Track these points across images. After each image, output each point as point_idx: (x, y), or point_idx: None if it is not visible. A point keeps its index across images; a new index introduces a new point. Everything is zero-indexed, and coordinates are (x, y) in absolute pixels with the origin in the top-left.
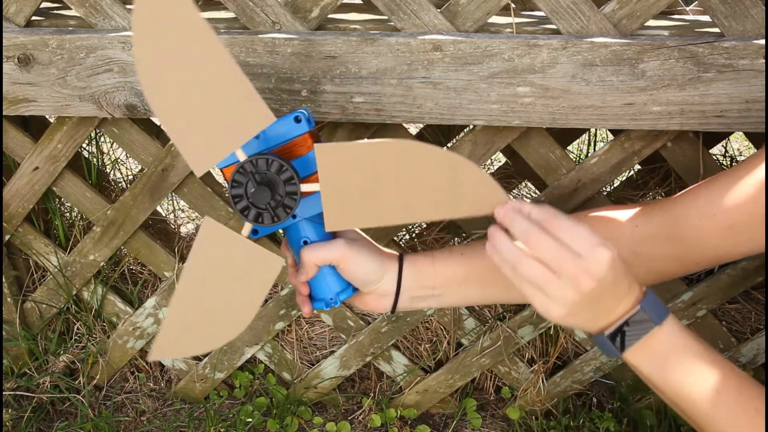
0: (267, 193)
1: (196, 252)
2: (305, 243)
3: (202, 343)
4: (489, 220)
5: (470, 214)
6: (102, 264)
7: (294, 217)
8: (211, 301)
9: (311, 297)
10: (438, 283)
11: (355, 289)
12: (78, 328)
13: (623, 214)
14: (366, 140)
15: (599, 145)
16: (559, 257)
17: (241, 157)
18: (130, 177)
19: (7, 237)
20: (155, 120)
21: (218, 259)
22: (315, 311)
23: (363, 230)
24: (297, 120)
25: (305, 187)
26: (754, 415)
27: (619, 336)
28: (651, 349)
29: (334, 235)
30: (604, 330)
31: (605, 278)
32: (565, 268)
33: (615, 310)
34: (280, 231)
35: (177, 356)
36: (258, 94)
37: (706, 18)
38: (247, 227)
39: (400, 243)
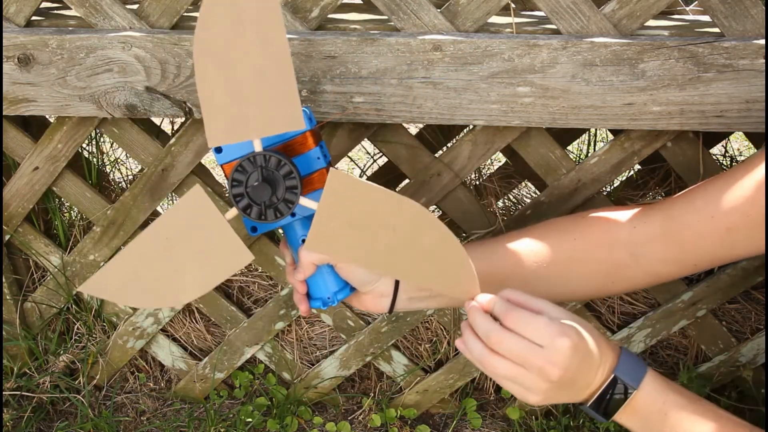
0: (267, 191)
1: (174, 211)
2: (304, 242)
3: (134, 297)
4: (489, 220)
5: (441, 290)
6: (102, 264)
7: (293, 215)
8: (165, 262)
9: (309, 296)
10: None
11: (353, 289)
12: (78, 328)
13: (621, 216)
14: (380, 186)
15: (599, 145)
16: (521, 353)
17: (258, 147)
18: (130, 177)
19: (7, 237)
20: (155, 120)
21: (191, 227)
22: (312, 310)
23: None
24: None
25: (304, 201)
26: None
27: (602, 404)
28: (635, 411)
29: None
30: (586, 402)
31: (571, 364)
32: (529, 361)
33: (591, 384)
34: (279, 229)
35: (105, 297)
36: (299, 99)
37: (706, 18)
38: (233, 211)
39: None
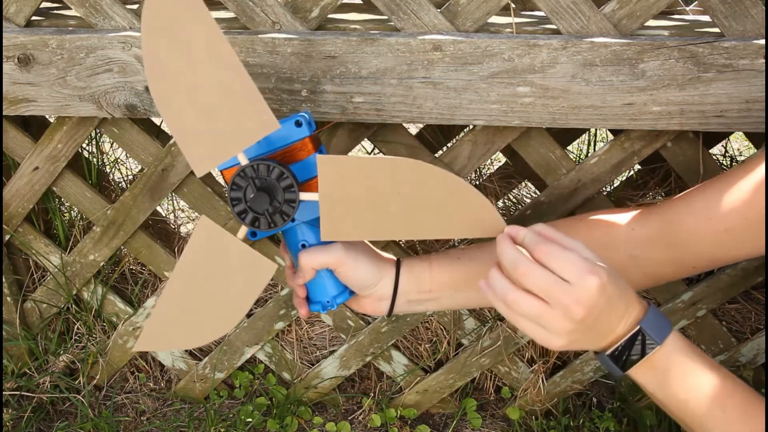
0: (266, 198)
1: (191, 249)
2: (303, 246)
3: (187, 338)
4: None
5: (467, 235)
6: (102, 264)
7: (293, 220)
8: (201, 299)
9: (308, 299)
10: (435, 288)
11: (352, 293)
12: (78, 328)
13: (620, 218)
14: (369, 156)
15: (599, 145)
16: (548, 287)
17: (243, 161)
18: (130, 177)
19: (7, 237)
20: (155, 120)
21: (211, 258)
22: (312, 313)
23: None
24: (297, 124)
25: (304, 196)
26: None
27: (622, 356)
28: (653, 367)
29: None
30: (606, 350)
31: (597, 305)
32: (555, 297)
33: (615, 331)
34: (280, 233)
35: (162, 349)
36: (264, 100)
37: (706, 18)
38: (244, 229)
39: (400, 243)
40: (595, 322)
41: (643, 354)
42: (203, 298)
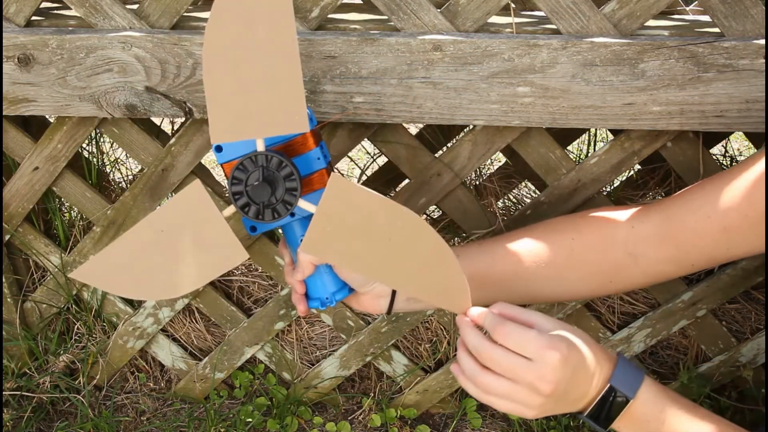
0: (267, 190)
1: (173, 203)
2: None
3: (125, 287)
4: (489, 220)
5: (432, 303)
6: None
7: (292, 215)
8: (158, 255)
9: (307, 296)
10: None
11: (351, 290)
12: (78, 328)
13: (619, 216)
14: (377, 194)
15: (599, 145)
16: (511, 368)
17: (260, 147)
18: (130, 177)
19: (7, 237)
20: (155, 120)
21: (188, 221)
22: (312, 310)
23: None
24: None
25: (302, 203)
26: None
27: (599, 414)
28: (632, 420)
29: None
30: (583, 412)
31: (562, 377)
32: (520, 376)
33: (587, 395)
34: (279, 229)
35: (98, 287)
36: (305, 101)
37: (706, 18)
38: (231, 209)
39: None
40: (565, 393)
41: (620, 408)
42: (161, 255)
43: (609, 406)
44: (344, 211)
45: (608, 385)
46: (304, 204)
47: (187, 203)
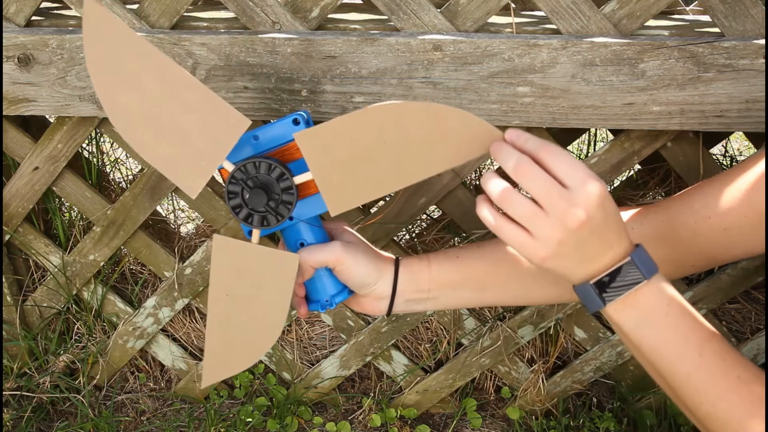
0: (263, 195)
1: (215, 271)
2: (302, 245)
3: (245, 357)
4: None
5: (469, 157)
6: (102, 264)
7: (291, 219)
8: (242, 314)
9: (307, 298)
10: (433, 287)
11: (351, 292)
12: (78, 328)
13: None
14: (341, 117)
15: (599, 145)
16: (548, 190)
17: (229, 167)
18: (130, 177)
19: (7, 237)
20: None
21: (237, 272)
22: (311, 313)
23: (362, 231)
24: (295, 122)
25: (298, 179)
26: (736, 383)
27: (605, 287)
28: (635, 304)
29: (330, 238)
30: (590, 279)
31: (594, 216)
32: (553, 201)
33: (602, 258)
34: (278, 233)
35: (226, 376)
36: (225, 102)
37: (706, 18)
38: (257, 233)
39: (400, 243)
40: (587, 239)
41: (629, 287)
42: (244, 313)
43: (619, 280)
44: (330, 152)
45: (628, 257)
46: (300, 177)
47: (223, 259)
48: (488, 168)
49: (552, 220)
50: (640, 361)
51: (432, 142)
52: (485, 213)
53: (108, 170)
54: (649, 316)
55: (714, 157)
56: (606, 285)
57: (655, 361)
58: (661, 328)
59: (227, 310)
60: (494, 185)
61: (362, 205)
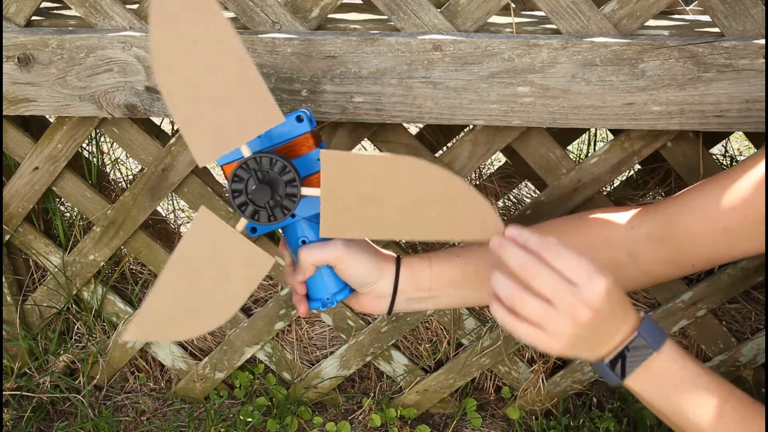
0: (267, 191)
1: (188, 238)
2: (303, 243)
3: (178, 330)
4: None
5: (465, 239)
6: (102, 264)
7: (293, 216)
8: (195, 290)
9: (308, 297)
10: (434, 285)
11: (352, 290)
12: (78, 328)
13: (619, 217)
14: (371, 153)
15: (599, 145)
16: (556, 288)
17: (246, 153)
18: (130, 177)
19: (7, 237)
20: (155, 120)
21: (209, 249)
22: (312, 310)
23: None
24: (299, 119)
25: (306, 191)
26: None
27: (619, 363)
28: (650, 374)
29: None
30: (604, 358)
31: (602, 309)
32: (562, 299)
33: (613, 339)
34: (279, 230)
35: (152, 339)
36: (270, 93)
37: (706, 18)
38: (243, 222)
39: (400, 243)
40: (598, 327)
41: (642, 360)
42: (198, 290)
43: (631, 356)
44: (346, 181)
45: (635, 333)
46: (308, 191)
47: (201, 231)
48: (488, 169)
49: (563, 317)
50: (667, 424)
51: (440, 211)
52: (499, 315)
53: (108, 170)
54: (664, 385)
55: (714, 157)
56: (619, 361)
57: (680, 425)
58: (677, 395)
59: (182, 280)
60: (503, 288)
61: None
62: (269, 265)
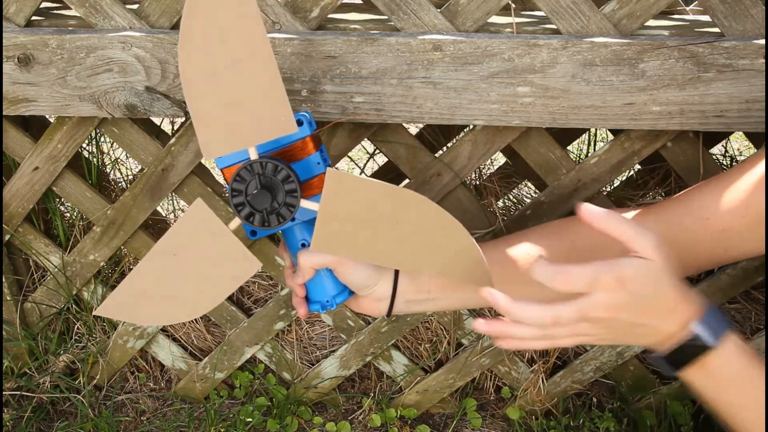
0: (267, 198)
1: (178, 227)
2: (303, 246)
3: (148, 315)
4: (489, 220)
5: (453, 279)
6: (102, 264)
7: (293, 219)
8: (176, 279)
9: (307, 299)
10: (433, 288)
11: (352, 293)
12: (78, 328)
13: None
14: (377, 181)
15: (599, 145)
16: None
17: (253, 155)
18: (130, 177)
19: (7, 237)
20: (155, 120)
21: (197, 241)
22: (311, 313)
23: None
24: (299, 123)
25: (305, 204)
26: None
27: (674, 355)
28: (705, 369)
29: None
30: (659, 348)
31: (623, 305)
32: (587, 314)
33: (663, 329)
34: (279, 232)
35: (123, 319)
36: (288, 102)
37: (706, 18)
38: (236, 221)
39: None
40: (632, 321)
41: (695, 355)
42: (177, 280)
43: (686, 349)
44: (346, 204)
45: (692, 326)
46: (307, 204)
47: (192, 223)
48: (488, 169)
49: (595, 325)
50: (716, 413)
51: (433, 249)
52: (541, 346)
53: (108, 170)
54: (718, 382)
55: (714, 157)
56: (674, 354)
57: (728, 421)
58: (731, 394)
59: (165, 268)
60: (531, 334)
61: None
62: (256, 268)
